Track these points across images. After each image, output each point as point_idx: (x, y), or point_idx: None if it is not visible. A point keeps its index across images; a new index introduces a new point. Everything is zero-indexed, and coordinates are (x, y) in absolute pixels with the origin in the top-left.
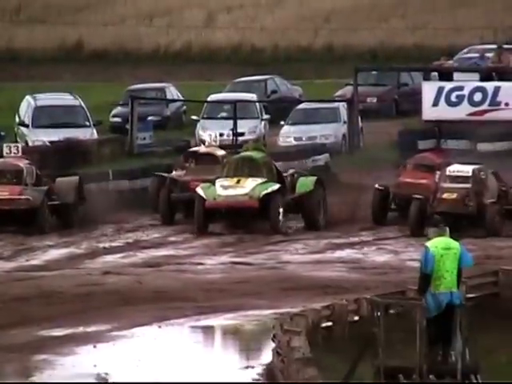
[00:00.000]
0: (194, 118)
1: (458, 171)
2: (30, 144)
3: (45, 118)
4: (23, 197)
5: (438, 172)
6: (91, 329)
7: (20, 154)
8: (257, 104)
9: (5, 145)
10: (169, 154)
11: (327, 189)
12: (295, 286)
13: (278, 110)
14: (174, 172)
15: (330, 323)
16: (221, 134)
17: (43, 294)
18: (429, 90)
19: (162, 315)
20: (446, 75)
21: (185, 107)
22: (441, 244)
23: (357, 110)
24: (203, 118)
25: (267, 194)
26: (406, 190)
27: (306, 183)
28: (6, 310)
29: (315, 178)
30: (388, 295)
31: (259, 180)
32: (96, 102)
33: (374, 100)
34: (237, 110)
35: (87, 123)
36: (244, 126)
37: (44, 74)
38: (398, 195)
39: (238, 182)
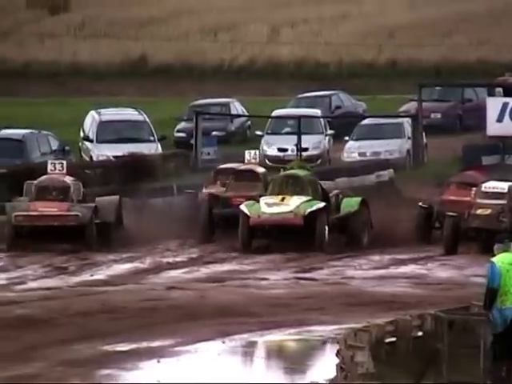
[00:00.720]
0: (258, 133)
1: (493, 187)
2: (95, 159)
3: (109, 132)
4: (72, 213)
5: (474, 188)
6: (155, 344)
7: (65, 170)
8: (321, 119)
9: (49, 161)
10: None
11: (392, 205)
12: (359, 301)
13: (342, 126)
14: (204, 189)
15: (393, 338)
16: (285, 150)
17: (107, 308)
18: (493, 105)
19: (225, 330)
20: (510, 91)
21: (249, 122)
22: (506, 259)
23: (421, 125)
24: (267, 133)
25: (312, 212)
26: (449, 208)
27: (350, 203)
28: (70, 325)
29: (360, 198)
30: (452, 311)
31: (304, 198)
32: (160, 116)
33: (439, 115)
34: (301, 126)
35: (152, 138)
36: (308, 141)
37: (108, 89)
38: (441, 213)
39: (283, 199)
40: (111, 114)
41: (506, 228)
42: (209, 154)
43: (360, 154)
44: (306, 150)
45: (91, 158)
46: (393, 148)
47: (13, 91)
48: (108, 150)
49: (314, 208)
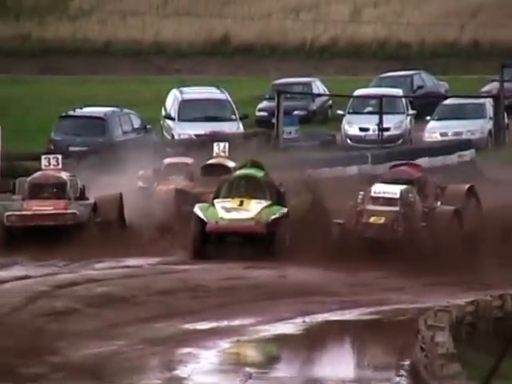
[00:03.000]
0: (339, 112)
1: (384, 192)
2: (176, 137)
3: (191, 111)
4: (69, 211)
5: (362, 192)
6: (235, 322)
7: (60, 165)
8: (403, 99)
9: (43, 157)
10: (314, 148)
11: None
12: (439, 281)
13: (424, 106)
14: (156, 185)
15: (474, 319)
16: (366, 129)
17: (188, 287)
18: None
19: (305, 309)
20: None
21: (330, 102)
22: None
23: (503, 105)
24: (349, 112)
25: (274, 219)
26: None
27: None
28: (151, 304)
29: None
30: None
31: (264, 202)
32: (242, 95)
33: None
34: (383, 105)
35: (233, 117)
36: (389, 121)
37: (190, 68)
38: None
39: (241, 203)
40: (193, 92)
41: (400, 237)
42: (290, 133)
43: (441, 134)
44: (387, 129)
45: (173, 136)
46: (474, 128)
47: (95, 69)
48: (190, 129)
49: (278, 215)
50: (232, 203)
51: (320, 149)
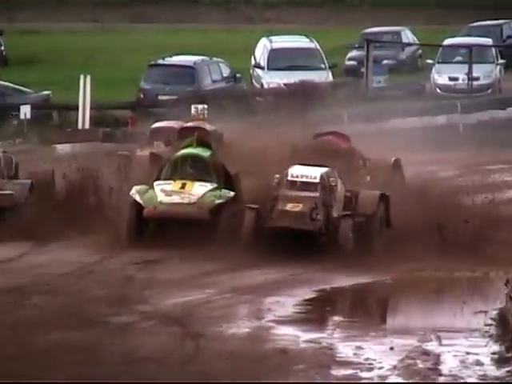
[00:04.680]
0: (429, 61)
1: (302, 175)
2: (265, 86)
3: (280, 60)
4: (4, 192)
5: (277, 175)
6: (320, 273)
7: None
8: (492, 48)
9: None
10: (403, 97)
11: None
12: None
13: None
14: (138, 151)
15: None
16: (456, 79)
17: None
18: None
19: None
20: None
21: (420, 51)
22: None
23: None
24: (438, 62)
25: (219, 204)
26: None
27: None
28: (240, 253)
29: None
30: None
31: (209, 185)
32: (331, 45)
33: None
34: (472, 55)
35: (323, 66)
36: (479, 70)
37: (280, 17)
38: None
39: (183, 186)
40: (283, 41)
41: (320, 228)
42: (379, 82)
43: None
44: (477, 79)
45: (262, 85)
46: None
47: (184, 18)
48: (279, 78)
49: (223, 200)
50: (173, 186)
51: (409, 98)
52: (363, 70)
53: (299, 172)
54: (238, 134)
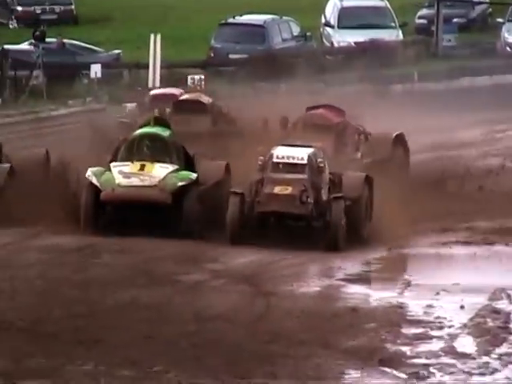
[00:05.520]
0: (499, 20)
1: (289, 157)
2: (336, 45)
3: (351, 18)
4: None
5: (262, 157)
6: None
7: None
8: None
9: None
10: (473, 56)
11: None
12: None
13: None
14: (138, 119)
15: None
16: None
17: None
18: None
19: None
20: None
21: (490, 9)
22: None
23: None
24: (509, 20)
25: (182, 186)
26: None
27: (211, 169)
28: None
29: (224, 163)
30: None
31: (170, 167)
32: (401, 3)
33: None
34: None
35: (393, 24)
36: None
37: None
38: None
39: (143, 168)
40: (353, 0)
41: (311, 211)
42: (449, 40)
43: None
44: None
45: (332, 43)
46: None
47: None
48: (349, 36)
49: (186, 182)
50: (132, 167)
51: (479, 57)
52: (433, 28)
53: (285, 153)
54: (235, 106)
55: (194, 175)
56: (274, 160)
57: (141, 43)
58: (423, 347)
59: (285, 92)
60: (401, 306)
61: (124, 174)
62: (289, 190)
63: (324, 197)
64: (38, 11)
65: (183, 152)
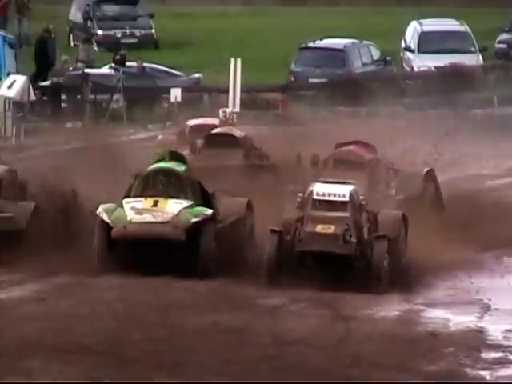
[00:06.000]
0: None
1: (330, 194)
2: (416, 69)
3: (431, 43)
4: (3, 215)
5: (300, 194)
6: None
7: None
8: None
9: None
10: None
11: None
12: None
13: None
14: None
15: None
16: None
17: None
18: None
19: None
20: None
21: None
22: None
23: None
24: None
25: (196, 223)
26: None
27: (233, 206)
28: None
29: (245, 200)
30: None
31: (184, 203)
32: (481, 27)
33: None
34: None
35: (473, 49)
36: None
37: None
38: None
39: (156, 204)
40: (433, 24)
41: (354, 251)
42: None
43: None
44: None
45: (412, 68)
46: None
47: (335, 1)
48: (429, 61)
49: (200, 218)
50: (144, 203)
51: None
52: None
53: (325, 190)
54: (267, 140)
55: (209, 211)
56: (315, 197)
57: (221, 67)
58: (503, 372)
59: (364, 116)
60: (480, 331)
61: (136, 211)
62: (332, 228)
63: (365, 236)
64: (119, 35)
65: (199, 187)
